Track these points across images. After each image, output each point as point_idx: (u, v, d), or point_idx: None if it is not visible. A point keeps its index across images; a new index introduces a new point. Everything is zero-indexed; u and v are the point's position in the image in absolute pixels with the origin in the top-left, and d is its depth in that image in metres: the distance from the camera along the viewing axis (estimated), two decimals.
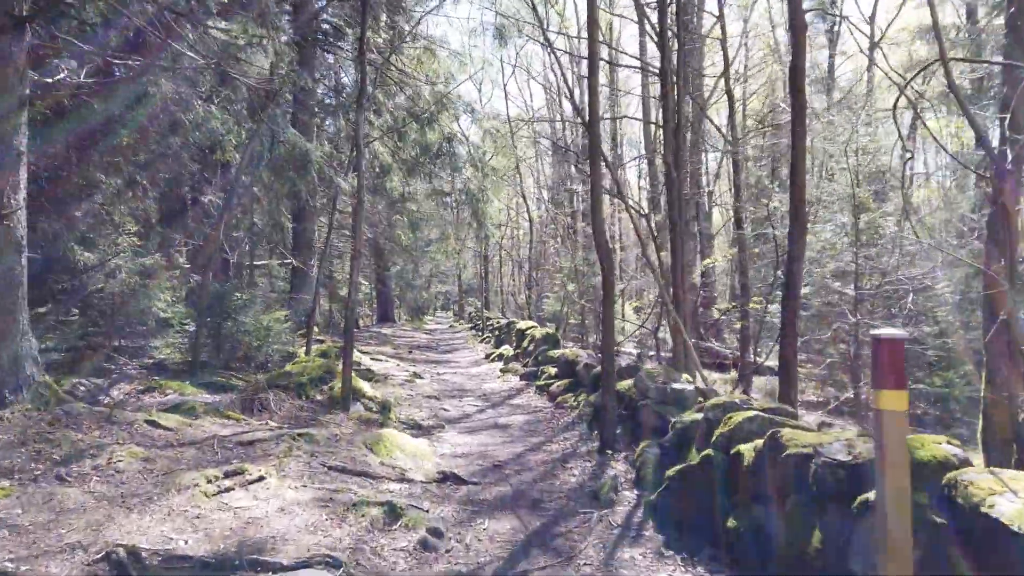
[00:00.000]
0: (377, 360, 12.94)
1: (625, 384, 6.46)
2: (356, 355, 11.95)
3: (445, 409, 8.39)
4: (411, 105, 13.42)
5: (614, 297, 6.13)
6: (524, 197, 27.15)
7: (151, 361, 8.70)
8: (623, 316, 17.24)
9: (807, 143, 7.46)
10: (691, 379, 6.14)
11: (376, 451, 5.46)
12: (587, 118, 7.00)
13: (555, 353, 10.75)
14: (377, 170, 14.88)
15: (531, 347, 12.42)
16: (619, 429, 5.97)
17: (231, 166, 9.02)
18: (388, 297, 27.94)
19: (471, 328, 27.03)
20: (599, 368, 8.01)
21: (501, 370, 12.10)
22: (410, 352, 16.31)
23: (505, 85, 40.53)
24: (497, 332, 19.20)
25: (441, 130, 13.54)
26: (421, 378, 10.70)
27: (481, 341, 20.57)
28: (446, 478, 5.12)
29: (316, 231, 14.79)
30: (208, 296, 8.95)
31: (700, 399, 5.29)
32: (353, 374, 7.29)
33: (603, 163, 7.03)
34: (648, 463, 4.92)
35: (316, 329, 14.37)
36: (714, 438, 4.08)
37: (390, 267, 25.50)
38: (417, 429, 6.94)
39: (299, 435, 5.45)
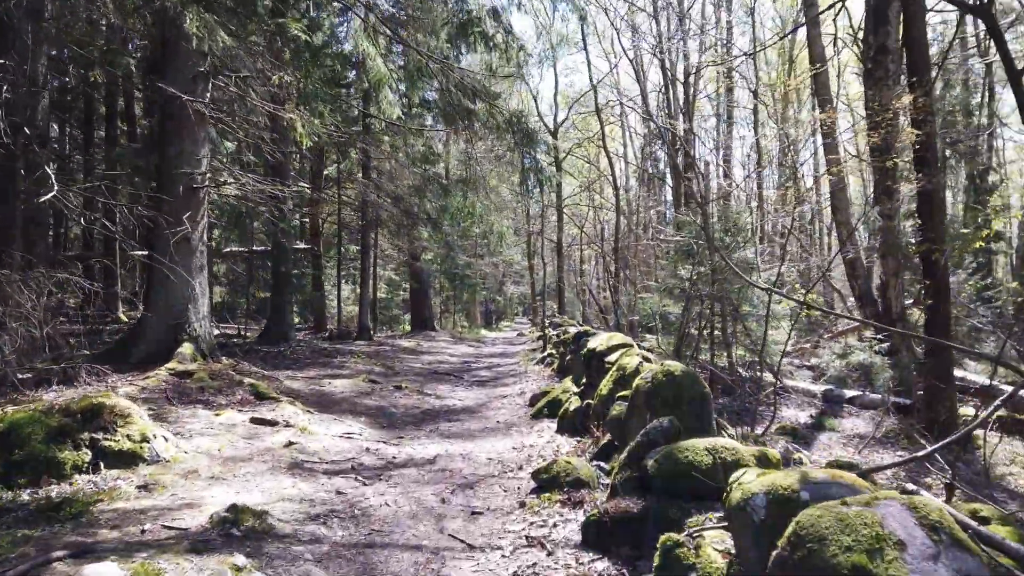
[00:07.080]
0: (281, 427, 5.70)
1: None
2: (162, 436, 4.71)
3: None
4: None
5: None
6: (608, 154, 19.30)
7: None
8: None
9: None
10: None
11: None
12: None
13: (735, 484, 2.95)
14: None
15: (624, 411, 4.70)
16: None
17: None
18: (423, 297, 20.76)
19: (539, 338, 19.39)
20: None
21: (543, 478, 4.45)
22: (399, 389, 8.98)
23: None
24: (561, 349, 11.59)
25: None
26: (277, 538, 3.31)
27: (540, 362, 12.97)
28: None
29: (204, 159, 7.78)
30: None
31: None
32: None
33: None
34: None
35: (190, 348, 7.40)
36: None
37: (420, 255, 18.41)
38: None
39: None
